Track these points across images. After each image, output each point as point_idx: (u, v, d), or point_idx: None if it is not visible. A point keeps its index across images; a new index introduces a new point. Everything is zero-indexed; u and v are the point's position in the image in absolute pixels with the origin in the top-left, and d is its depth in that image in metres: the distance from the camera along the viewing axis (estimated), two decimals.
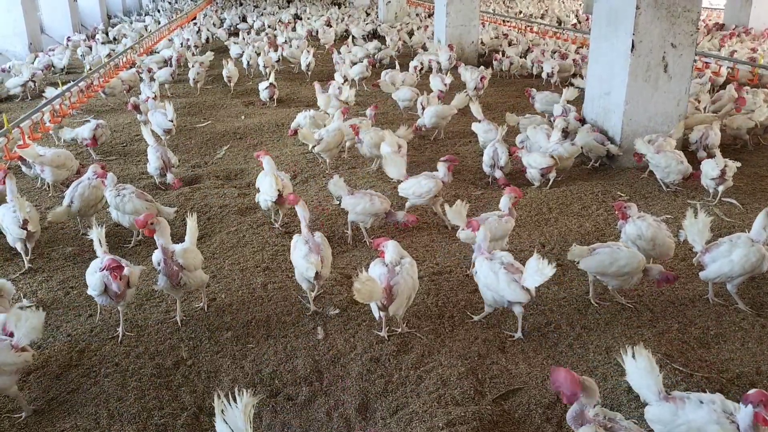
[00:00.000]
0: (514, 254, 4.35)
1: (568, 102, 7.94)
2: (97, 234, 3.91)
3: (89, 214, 5.37)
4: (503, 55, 12.68)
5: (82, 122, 8.14)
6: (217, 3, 29.98)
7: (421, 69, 11.39)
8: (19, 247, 4.80)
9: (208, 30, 18.10)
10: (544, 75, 10.96)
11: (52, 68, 13.10)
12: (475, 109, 7.28)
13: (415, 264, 3.80)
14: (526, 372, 3.55)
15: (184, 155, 7.68)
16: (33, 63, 12.49)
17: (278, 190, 5.11)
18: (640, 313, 4.11)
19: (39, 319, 3.24)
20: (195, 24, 18.76)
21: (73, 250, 5.18)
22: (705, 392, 2.77)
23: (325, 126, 7.17)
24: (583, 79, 10.08)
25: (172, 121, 7.58)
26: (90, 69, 11.60)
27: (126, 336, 3.88)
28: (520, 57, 12.78)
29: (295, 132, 7.48)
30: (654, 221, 4.39)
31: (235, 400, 2.30)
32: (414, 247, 5.06)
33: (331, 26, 18.45)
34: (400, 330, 3.89)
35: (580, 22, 19.19)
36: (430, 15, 21.03)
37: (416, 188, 5.35)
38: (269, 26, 19.71)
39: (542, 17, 21.48)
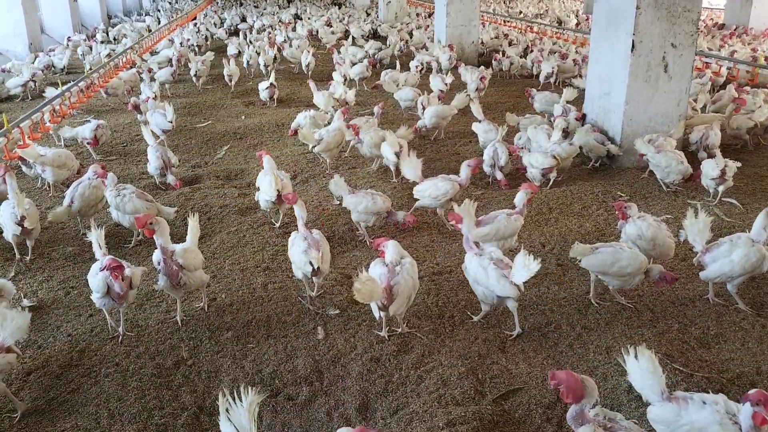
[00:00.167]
0: (514, 254, 4.35)
1: (568, 102, 7.94)
2: (96, 236, 3.87)
3: (89, 214, 5.38)
4: (503, 55, 12.67)
5: (83, 122, 8.15)
6: (217, 3, 29.99)
7: (421, 69, 11.39)
8: (13, 242, 4.86)
9: (207, 30, 18.10)
10: (542, 77, 10.94)
11: (53, 68, 13.11)
12: (476, 109, 7.28)
13: (415, 264, 3.80)
14: (527, 372, 3.55)
15: (184, 155, 7.69)
16: (33, 63, 12.50)
17: (277, 190, 5.12)
18: (640, 313, 4.11)
19: (25, 319, 3.26)
20: (195, 24, 18.75)
21: (73, 250, 5.19)
22: (708, 392, 2.77)
23: (325, 126, 7.17)
24: (582, 78, 10.10)
25: (171, 122, 7.60)
26: (90, 69, 11.60)
27: (126, 336, 3.88)
28: (520, 57, 12.78)
29: (296, 132, 7.49)
30: (654, 221, 4.39)
31: (240, 398, 2.31)
32: (414, 247, 5.07)
33: (331, 26, 18.45)
34: (400, 330, 3.89)
35: (580, 23, 19.18)
36: (430, 15, 21.03)
37: (433, 190, 5.31)
38: (270, 26, 19.72)
39: (539, 17, 21.46)
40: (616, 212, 4.57)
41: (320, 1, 29.94)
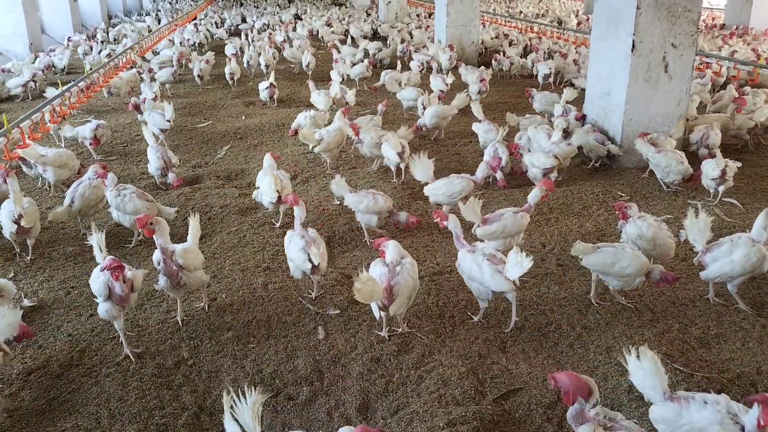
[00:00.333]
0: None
1: (568, 102, 7.94)
2: (96, 240, 3.80)
3: (90, 214, 5.38)
4: (503, 55, 12.67)
5: (83, 122, 8.15)
6: (218, 3, 30.00)
7: (422, 69, 11.40)
8: (12, 240, 4.92)
9: (208, 30, 18.11)
10: (540, 77, 10.95)
11: (53, 68, 13.11)
12: (476, 109, 7.28)
13: (415, 264, 3.80)
14: (527, 372, 3.55)
15: (184, 155, 7.69)
16: (33, 63, 12.51)
17: (277, 191, 5.12)
18: (640, 313, 4.11)
19: (15, 316, 3.25)
20: (195, 25, 18.76)
21: (74, 250, 5.19)
22: (709, 393, 2.76)
23: (325, 126, 7.18)
24: (582, 78, 10.11)
25: (169, 121, 7.61)
26: (90, 69, 11.61)
27: (127, 336, 3.88)
28: (520, 57, 12.78)
29: (296, 132, 7.50)
30: (654, 221, 4.39)
31: (244, 396, 2.32)
32: (414, 247, 5.07)
33: (331, 26, 18.47)
34: (400, 330, 3.89)
35: (580, 23, 19.18)
36: (431, 15, 21.04)
37: (448, 188, 5.30)
38: (271, 26, 19.74)
39: (537, 16, 21.46)
40: (617, 212, 4.57)
41: (320, 1, 29.95)
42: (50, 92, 9.09)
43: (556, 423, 3.16)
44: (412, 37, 15.43)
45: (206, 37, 17.18)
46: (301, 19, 21.05)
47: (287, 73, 12.83)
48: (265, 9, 25.88)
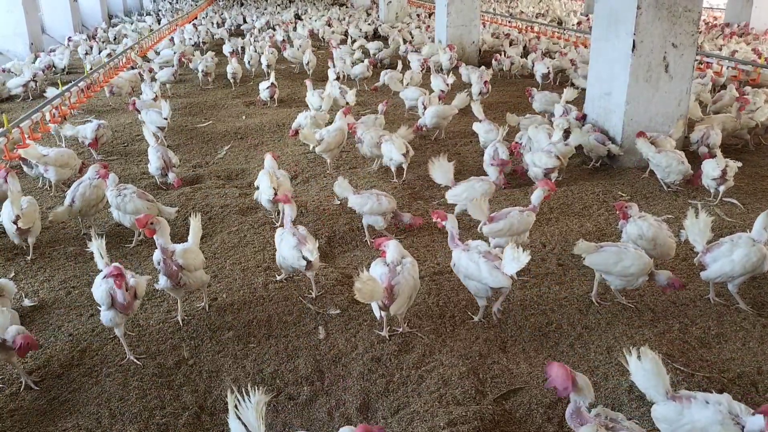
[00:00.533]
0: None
1: (568, 102, 7.93)
2: (97, 246, 3.75)
3: (90, 214, 5.39)
4: (504, 55, 12.67)
5: (83, 122, 8.15)
6: (218, 3, 30.01)
7: (422, 69, 11.39)
8: (13, 239, 4.96)
9: (208, 30, 18.12)
10: (538, 77, 10.97)
11: (53, 68, 13.12)
12: (476, 109, 7.28)
13: (416, 264, 3.80)
14: (527, 372, 3.55)
15: (185, 155, 7.69)
16: (34, 63, 12.51)
17: (274, 188, 5.14)
18: (641, 312, 4.11)
19: (5, 318, 3.29)
20: (194, 25, 18.77)
21: (74, 249, 5.19)
22: (711, 392, 2.77)
23: (326, 126, 7.18)
24: (580, 78, 10.11)
25: (166, 119, 7.62)
26: (90, 69, 11.62)
27: (127, 336, 3.88)
28: (521, 57, 12.77)
29: (296, 132, 7.49)
30: (655, 221, 4.39)
31: (248, 396, 2.33)
32: (415, 247, 5.07)
33: (331, 26, 18.47)
34: (401, 330, 3.89)
35: (580, 23, 19.17)
36: (431, 15, 21.04)
37: (469, 192, 5.25)
38: (272, 25, 19.76)
39: (537, 16, 21.45)
40: (617, 212, 4.58)
41: (320, 1, 29.96)
42: (50, 92, 9.09)
43: (556, 423, 3.16)
44: (412, 37, 15.44)
45: (207, 36, 17.20)
46: (302, 19, 21.06)
47: (287, 73, 12.83)
48: (265, 9, 25.88)
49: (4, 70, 11.90)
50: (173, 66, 11.82)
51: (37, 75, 11.17)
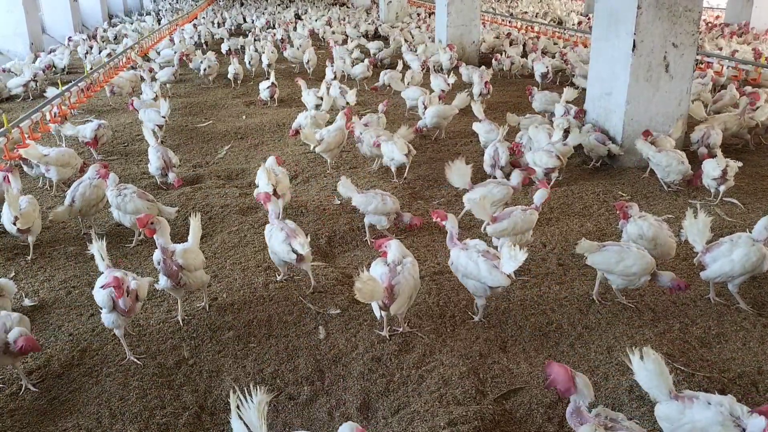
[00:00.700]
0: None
1: (568, 102, 7.93)
2: (97, 248, 3.74)
3: (90, 214, 5.39)
4: (504, 55, 12.67)
5: (84, 122, 8.15)
6: (218, 3, 30.01)
7: (422, 69, 11.39)
8: (15, 236, 5.03)
9: (209, 30, 18.13)
10: (537, 76, 10.98)
11: (53, 68, 13.12)
12: (477, 109, 7.28)
13: (416, 263, 3.80)
14: (528, 371, 3.55)
15: (185, 155, 7.69)
16: (34, 63, 12.51)
17: (272, 185, 5.16)
18: (641, 312, 4.11)
19: (14, 321, 3.30)
20: (194, 25, 18.78)
21: (74, 249, 5.19)
22: (715, 393, 2.77)
23: (326, 126, 7.19)
24: (579, 77, 10.11)
25: (164, 117, 7.62)
26: (91, 69, 11.62)
27: (128, 335, 3.87)
28: (521, 57, 12.77)
29: (297, 132, 7.50)
30: (655, 221, 4.39)
31: (250, 396, 2.33)
32: (415, 247, 5.07)
33: (331, 26, 18.46)
34: (401, 329, 3.89)
35: (581, 23, 19.17)
36: (431, 15, 21.04)
37: (487, 196, 5.13)
38: (272, 24, 19.78)
39: (536, 16, 21.45)
40: (618, 212, 4.57)
41: (321, 0, 29.95)
42: (50, 92, 9.09)
43: (557, 423, 3.16)
44: (413, 37, 15.44)
45: (208, 36, 17.22)
46: (302, 19, 21.07)
47: (288, 73, 12.82)
48: (265, 9, 25.89)
49: (4, 71, 11.90)
50: (173, 66, 11.83)
51: (37, 75, 11.17)
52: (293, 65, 13.30)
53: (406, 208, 5.75)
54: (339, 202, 5.94)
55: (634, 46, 6.51)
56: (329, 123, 7.40)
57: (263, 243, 5.18)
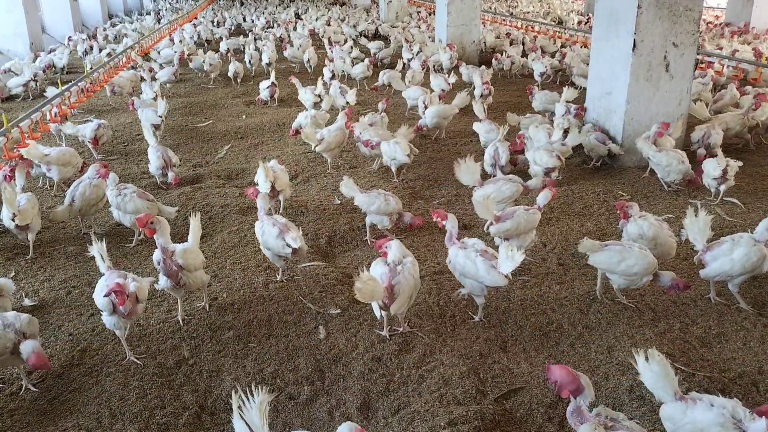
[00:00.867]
0: (531, 250, 4.49)
1: (568, 102, 7.92)
2: (98, 249, 3.72)
3: (90, 213, 5.39)
4: (504, 54, 12.66)
5: (84, 121, 8.14)
6: (218, 3, 30.00)
7: (423, 68, 11.39)
8: (15, 233, 5.06)
9: (210, 30, 18.13)
10: (536, 76, 10.98)
11: (53, 68, 13.12)
12: (477, 108, 7.28)
13: (416, 263, 3.80)
14: (528, 371, 3.55)
15: (185, 155, 7.69)
16: (34, 62, 12.51)
17: (271, 182, 5.17)
18: (641, 312, 4.11)
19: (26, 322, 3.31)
20: (194, 25, 18.77)
21: (74, 249, 5.19)
22: (718, 395, 2.77)
23: (326, 126, 7.19)
24: (578, 77, 10.11)
25: (161, 117, 7.61)
26: (90, 68, 11.62)
27: (128, 335, 3.87)
28: (521, 56, 12.77)
29: (297, 132, 7.50)
30: (656, 221, 4.39)
31: (252, 396, 2.33)
32: (416, 247, 5.07)
33: (331, 26, 18.47)
34: (401, 329, 3.89)
35: (581, 23, 19.16)
36: (431, 14, 21.04)
37: (497, 194, 5.20)
38: (276, 25, 19.80)
39: (536, 15, 21.45)
40: (618, 211, 4.57)
41: (321, 0, 29.95)
42: (50, 91, 9.09)
43: (557, 422, 3.16)
44: (413, 37, 15.44)
45: (210, 35, 17.23)
46: (302, 19, 21.07)
47: (288, 73, 12.81)
48: (265, 8, 25.89)
49: (5, 71, 11.91)
50: (174, 65, 11.82)
51: (37, 75, 11.18)
52: (293, 65, 13.29)
53: (406, 207, 5.74)
54: (339, 202, 5.94)
55: (634, 45, 6.51)
56: (329, 123, 7.40)
57: None
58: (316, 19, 20.14)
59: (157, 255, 3.89)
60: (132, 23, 20.63)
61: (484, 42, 14.78)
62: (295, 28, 18.21)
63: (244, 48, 14.29)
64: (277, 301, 4.28)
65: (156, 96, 8.90)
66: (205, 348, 3.79)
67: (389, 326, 3.87)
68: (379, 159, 6.82)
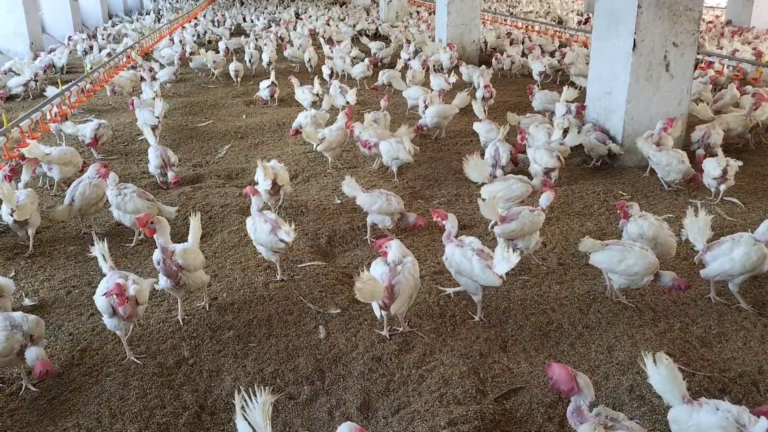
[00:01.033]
0: (536, 251, 4.52)
1: (568, 102, 7.92)
2: (100, 249, 3.71)
3: (90, 213, 5.39)
4: (504, 54, 12.66)
5: (84, 121, 8.14)
6: (219, 2, 30.00)
7: (423, 68, 11.38)
8: (15, 230, 5.09)
9: (210, 30, 18.13)
10: (535, 75, 10.99)
11: (53, 68, 13.13)
12: (477, 108, 7.28)
13: (416, 263, 3.80)
14: (528, 371, 3.55)
15: (185, 154, 7.69)
16: (34, 62, 12.51)
17: (271, 179, 5.19)
18: (642, 312, 4.10)
19: (33, 325, 3.32)
20: (194, 25, 18.78)
21: (74, 249, 5.19)
22: (724, 399, 2.78)
23: (326, 125, 7.19)
24: (577, 76, 10.11)
25: (158, 118, 7.61)
26: (90, 68, 11.62)
27: (128, 339, 3.87)
28: (521, 56, 12.76)
29: (297, 132, 7.50)
30: (656, 220, 4.39)
31: (254, 396, 2.33)
32: (416, 247, 5.07)
33: (330, 25, 18.47)
34: (401, 329, 3.89)
35: (581, 22, 19.15)
36: (431, 14, 21.03)
37: (506, 192, 5.18)
38: (275, 23, 19.81)
39: (538, 15, 21.45)
40: (618, 211, 4.57)
41: (321, 0, 29.96)
42: (50, 91, 9.09)
43: (557, 422, 3.16)
44: (414, 37, 15.44)
45: (211, 35, 17.23)
46: (302, 18, 21.07)
47: (288, 72, 12.81)
48: (265, 8, 25.89)
49: (5, 71, 11.91)
50: (174, 65, 11.83)
51: (37, 74, 11.18)
52: (293, 65, 13.29)
53: (406, 207, 5.73)
54: (339, 201, 5.94)
55: (634, 45, 6.50)
56: (330, 123, 7.40)
57: None
58: (316, 19, 20.14)
59: (157, 255, 3.89)
60: (132, 23, 20.63)
61: (485, 41, 14.78)
62: (295, 28, 18.20)
63: (244, 47, 14.29)
64: (277, 300, 4.28)
65: (156, 96, 8.89)
66: (205, 348, 3.79)
67: (389, 326, 3.87)
68: (378, 159, 6.82)
